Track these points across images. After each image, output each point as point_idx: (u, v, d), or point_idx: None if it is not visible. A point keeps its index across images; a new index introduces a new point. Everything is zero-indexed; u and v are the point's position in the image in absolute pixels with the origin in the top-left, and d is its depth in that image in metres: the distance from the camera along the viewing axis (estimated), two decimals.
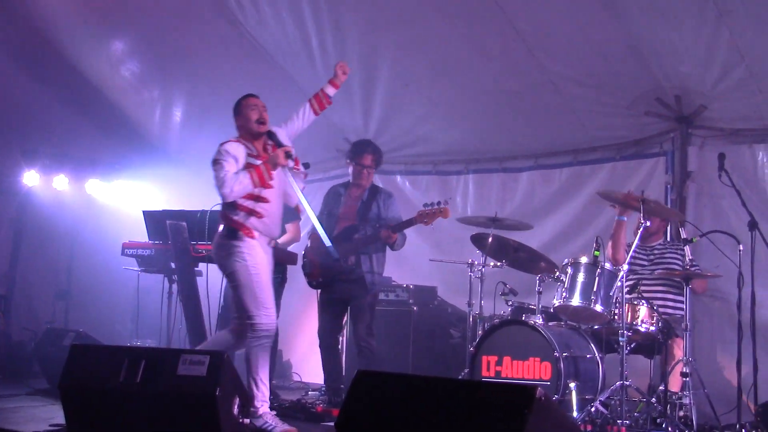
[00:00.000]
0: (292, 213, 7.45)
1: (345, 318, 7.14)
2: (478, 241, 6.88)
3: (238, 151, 5.60)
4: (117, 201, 10.49)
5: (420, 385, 3.59)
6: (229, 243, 5.47)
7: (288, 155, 5.59)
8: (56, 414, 5.36)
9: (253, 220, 5.50)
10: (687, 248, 6.33)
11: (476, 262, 6.86)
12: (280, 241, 7.28)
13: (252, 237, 5.47)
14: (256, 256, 5.45)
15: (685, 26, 6.41)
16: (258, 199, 5.53)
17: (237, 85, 8.60)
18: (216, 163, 5.54)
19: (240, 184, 5.42)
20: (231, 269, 5.46)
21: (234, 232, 5.47)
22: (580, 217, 7.82)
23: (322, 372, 7.00)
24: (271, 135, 5.76)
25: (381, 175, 9.34)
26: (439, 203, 6.48)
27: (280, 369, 8.83)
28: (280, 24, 7.82)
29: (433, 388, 3.49)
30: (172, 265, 6.98)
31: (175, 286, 7.05)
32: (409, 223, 6.60)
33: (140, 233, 7.15)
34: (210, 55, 8.41)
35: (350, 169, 7.01)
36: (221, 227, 5.60)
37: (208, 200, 6.92)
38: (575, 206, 7.86)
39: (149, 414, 4.59)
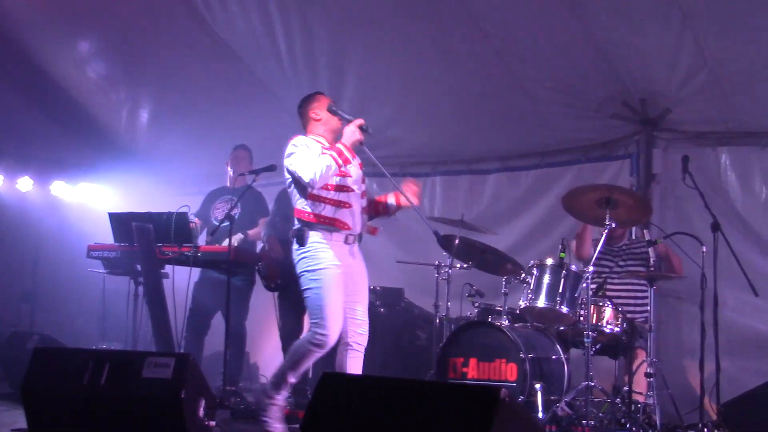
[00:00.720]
0: (263, 209, 7.43)
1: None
2: (444, 242, 6.89)
3: (311, 142, 5.29)
4: (82, 203, 10.39)
5: (385, 387, 3.59)
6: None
7: (363, 129, 5.24)
8: (19, 419, 5.28)
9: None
10: (651, 250, 6.39)
11: (443, 264, 6.88)
12: (251, 232, 7.26)
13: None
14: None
15: (650, 30, 6.48)
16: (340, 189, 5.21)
17: (205, 87, 8.63)
18: (290, 156, 5.19)
19: (321, 167, 5.03)
20: None
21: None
22: (546, 219, 7.87)
23: None
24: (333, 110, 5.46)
25: None
26: None
27: (247, 371, 8.79)
28: (249, 25, 7.79)
29: (398, 389, 3.50)
30: (138, 267, 6.93)
31: (141, 289, 7.00)
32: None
33: (106, 235, 7.08)
34: (177, 56, 8.36)
35: None
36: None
37: (174, 202, 6.89)
38: (542, 208, 7.91)
39: (114, 417, 4.55)
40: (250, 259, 7.03)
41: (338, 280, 5.10)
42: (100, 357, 4.73)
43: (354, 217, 5.24)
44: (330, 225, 5.15)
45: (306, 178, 5.02)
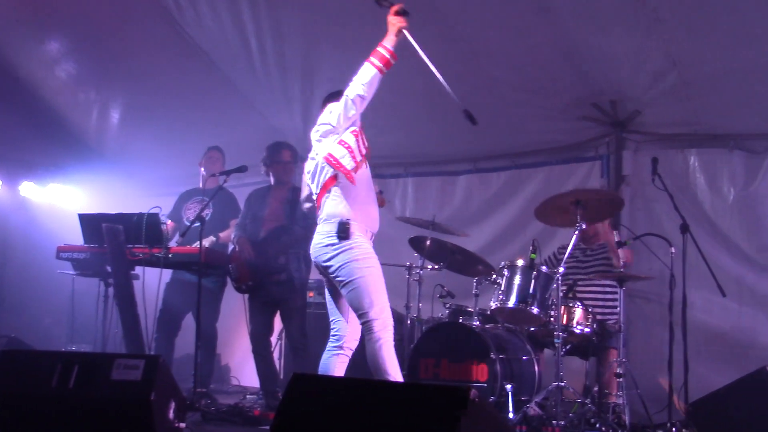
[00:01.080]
0: (234, 210, 7.41)
1: (277, 321, 7.10)
2: (416, 243, 6.91)
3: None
4: (52, 204, 10.31)
5: (355, 388, 3.59)
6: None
7: (403, 12, 4.94)
8: None
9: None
10: (621, 251, 6.44)
11: (414, 265, 6.89)
12: (222, 235, 7.24)
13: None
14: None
15: (618, 33, 6.52)
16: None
17: (175, 88, 8.58)
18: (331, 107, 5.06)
19: (364, 75, 4.94)
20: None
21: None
22: (517, 220, 7.91)
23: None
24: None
25: None
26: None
27: (218, 373, 8.76)
28: (219, 25, 7.75)
29: (368, 390, 3.50)
30: (108, 268, 6.89)
31: (111, 290, 6.95)
32: None
33: (75, 236, 7.03)
34: (148, 56, 8.31)
35: (270, 173, 6.95)
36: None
37: (145, 203, 6.86)
38: (512, 209, 7.95)
39: (83, 420, 4.51)
40: (222, 261, 6.99)
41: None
42: (69, 359, 4.68)
43: None
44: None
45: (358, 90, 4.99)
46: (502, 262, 6.32)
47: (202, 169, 7.53)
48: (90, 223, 6.82)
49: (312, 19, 7.51)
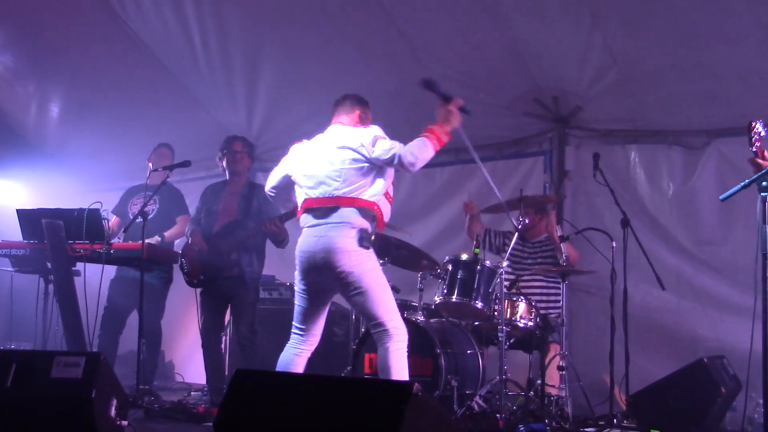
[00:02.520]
0: (180, 207, 7.35)
1: (227, 316, 7.07)
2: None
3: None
4: None
5: (299, 383, 3.59)
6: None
7: (464, 110, 4.94)
8: None
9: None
10: (563, 245, 6.51)
11: None
12: (167, 234, 7.18)
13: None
14: None
15: (560, 29, 6.59)
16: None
17: (118, 82, 8.48)
18: (379, 138, 5.02)
19: (423, 149, 4.87)
20: None
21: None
22: (461, 215, 7.88)
23: (204, 372, 6.93)
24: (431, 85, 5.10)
25: (264, 173, 9.25)
26: None
27: (162, 370, 8.69)
28: (162, 20, 7.68)
29: (312, 385, 3.49)
30: (49, 265, 6.79)
31: (51, 287, 6.86)
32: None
33: (14, 233, 6.92)
34: (89, 51, 8.20)
35: (224, 164, 6.91)
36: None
37: (86, 199, 6.77)
38: (457, 204, 7.94)
39: (22, 419, 4.45)
40: (165, 257, 6.94)
41: None
42: (6, 357, 4.63)
43: None
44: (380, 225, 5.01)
45: (411, 159, 4.86)
46: (446, 257, 6.35)
47: (150, 164, 7.46)
48: (29, 218, 6.71)
49: (256, 15, 7.47)
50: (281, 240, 6.63)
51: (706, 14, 6.03)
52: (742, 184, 3.95)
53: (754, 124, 4.46)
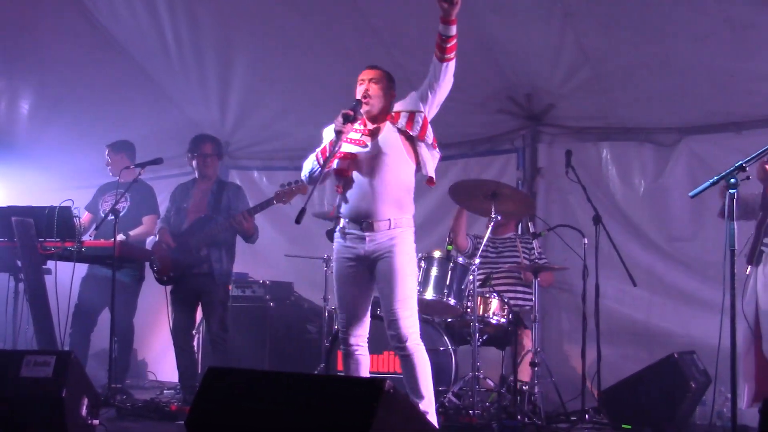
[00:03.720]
0: (150, 206, 7.31)
1: (198, 314, 7.04)
2: (332, 236, 6.89)
3: (327, 132, 4.92)
4: None
5: (271, 381, 3.58)
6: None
7: (347, 117, 4.67)
8: None
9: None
10: (535, 242, 6.54)
11: (332, 258, 6.87)
12: (132, 233, 7.14)
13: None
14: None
15: (533, 27, 6.62)
16: (339, 175, 4.78)
17: (89, 78, 8.39)
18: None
19: (306, 161, 4.87)
20: None
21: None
22: (434, 212, 7.95)
23: (177, 370, 6.90)
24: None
25: (238, 171, 9.29)
26: (296, 182, 6.47)
27: (134, 368, 8.64)
28: (133, 15, 7.62)
29: (284, 383, 3.49)
30: (19, 263, 6.73)
31: (21, 285, 6.80)
32: (268, 203, 6.55)
33: None
34: (59, 46, 8.10)
35: (194, 164, 6.89)
36: None
37: (57, 196, 6.72)
38: (429, 201, 7.97)
39: None
40: (137, 255, 6.90)
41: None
42: None
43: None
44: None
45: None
46: (419, 254, 6.34)
47: (109, 168, 7.46)
48: None
49: (229, 12, 7.44)
50: (250, 235, 6.63)
51: (675, 13, 6.08)
52: (711, 181, 3.98)
53: None
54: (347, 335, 4.80)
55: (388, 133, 4.75)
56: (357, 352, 4.80)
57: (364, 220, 4.68)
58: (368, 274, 4.76)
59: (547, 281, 6.92)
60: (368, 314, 4.87)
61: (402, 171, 4.75)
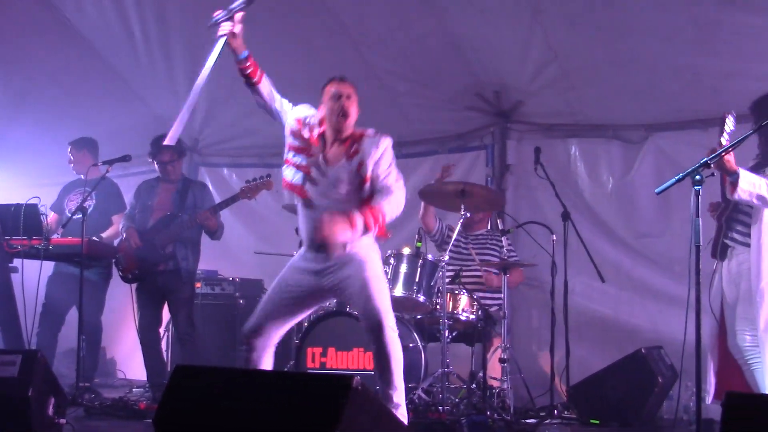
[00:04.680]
0: (117, 204, 7.26)
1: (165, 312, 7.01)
2: None
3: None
4: None
5: (239, 378, 3.57)
6: None
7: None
8: None
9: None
10: (504, 239, 6.57)
11: None
12: (105, 235, 7.09)
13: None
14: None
15: (501, 24, 6.64)
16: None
17: (54, 73, 8.31)
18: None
19: None
20: None
21: None
22: (403, 210, 7.94)
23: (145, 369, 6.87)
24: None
25: (207, 168, 9.24)
26: (261, 177, 6.46)
27: (103, 367, 8.58)
28: (100, 10, 7.56)
29: (251, 380, 3.48)
30: None
31: None
32: (233, 199, 6.54)
33: None
34: (23, 41, 8.00)
35: (156, 167, 6.87)
36: None
37: (23, 194, 6.65)
38: None
39: None
40: (105, 252, 6.85)
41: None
42: None
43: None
44: None
45: None
46: (389, 251, 6.35)
47: (72, 166, 7.40)
48: None
49: (197, 8, 7.38)
50: (214, 231, 6.61)
51: (642, 11, 6.13)
52: (676, 177, 4.02)
53: (726, 115, 4.50)
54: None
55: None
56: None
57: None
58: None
59: (516, 281, 6.90)
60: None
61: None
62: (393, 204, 4.34)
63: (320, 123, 4.63)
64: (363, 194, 4.39)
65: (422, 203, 6.97)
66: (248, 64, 4.68)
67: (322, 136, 4.61)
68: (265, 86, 4.76)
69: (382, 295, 4.47)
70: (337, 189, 4.42)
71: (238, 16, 4.61)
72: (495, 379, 6.18)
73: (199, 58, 7.80)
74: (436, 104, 7.64)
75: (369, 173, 4.39)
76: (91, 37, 7.92)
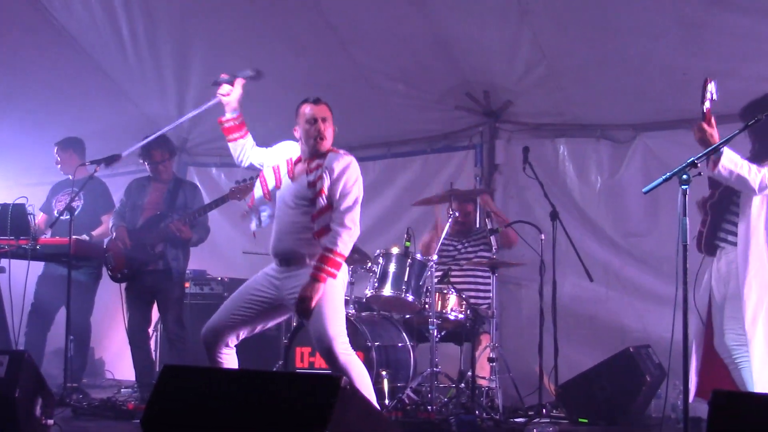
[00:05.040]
0: (106, 203, 7.24)
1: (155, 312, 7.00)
2: None
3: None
4: None
5: (227, 379, 3.57)
6: None
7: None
8: None
9: None
10: (493, 238, 6.58)
11: None
12: (95, 233, 7.08)
13: None
14: None
15: (490, 25, 6.65)
16: None
17: (42, 73, 8.27)
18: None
19: None
20: None
21: None
22: (392, 209, 7.98)
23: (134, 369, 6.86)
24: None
25: (196, 168, 9.23)
26: (251, 178, 6.46)
27: (92, 367, 8.55)
28: (88, 10, 7.53)
29: (240, 380, 3.48)
30: None
31: None
32: (223, 200, 6.53)
33: None
34: (11, 40, 7.96)
35: (147, 167, 6.86)
36: None
37: (11, 194, 6.64)
38: (388, 198, 8.01)
39: None
40: (93, 252, 6.83)
41: None
42: None
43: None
44: None
45: None
46: (378, 250, 6.37)
47: (59, 167, 7.39)
48: None
49: (185, 7, 7.39)
50: (187, 240, 6.57)
51: (630, 10, 6.15)
52: (664, 177, 4.02)
53: (708, 80, 4.52)
54: None
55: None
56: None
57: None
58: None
59: (511, 242, 6.86)
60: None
61: None
62: (345, 244, 4.42)
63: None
64: (317, 208, 4.48)
65: (428, 235, 7.02)
66: (230, 124, 4.93)
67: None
68: (237, 147, 4.97)
69: (335, 318, 4.45)
70: (295, 203, 4.56)
71: (239, 82, 4.86)
72: (484, 378, 6.19)
73: (186, 57, 7.87)
74: (425, 104, 7.65)
75: (325, 189, 4.47)
76: (79, 37, 7.89)
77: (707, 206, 5.04)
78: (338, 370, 4.34)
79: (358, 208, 4.49)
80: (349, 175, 4.50)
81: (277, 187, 4.72)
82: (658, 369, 6.07)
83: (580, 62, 6.77)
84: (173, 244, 6.58)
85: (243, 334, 4.67)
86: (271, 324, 4.82)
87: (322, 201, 4.46)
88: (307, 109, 4.67)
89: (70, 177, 7.07)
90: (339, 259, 4.40)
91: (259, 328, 4.72)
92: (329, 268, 4.37)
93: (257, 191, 4.82)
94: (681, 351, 3.97)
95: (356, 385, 4.27)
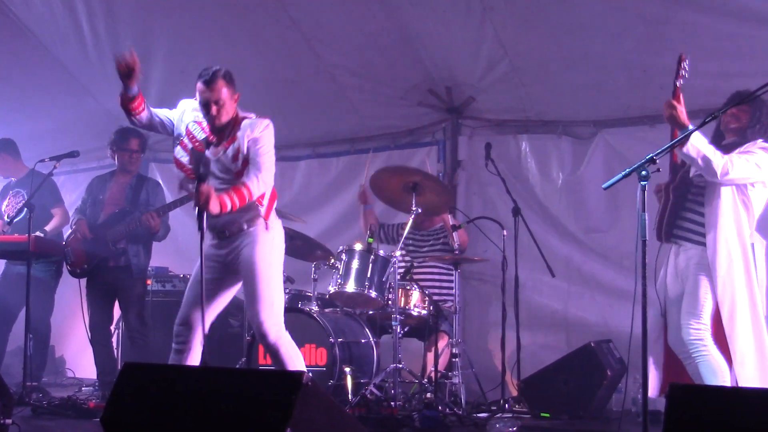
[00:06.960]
0: (54, 197, 7.17)
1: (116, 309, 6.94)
2: None
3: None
4: None
5: (189, 376, 3.56)
6: None
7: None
8: None
9: None
10: (456, 234, 6.60)
11: None
12: (48, 228, 7.01)
13: None
14: None
15: (452, 21, 6.66)
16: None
17: (1, 69, 8.17)
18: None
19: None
20: None
21: None
22: (356, 205, 7.94)
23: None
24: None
25: (157, 164, 9.15)
26: None
27: (52, 365, 8.48)
28: (47, 5, 7.45)
29: (201, 377, 3.47)
30: None
31: None
32: (187, 199, 6.47)
33: None
34: None
35: (116, 158, 6.78)
36: None
37: None
38: (352, 194, 7.98)
39: None
40: (53, 249, 6.76)
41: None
42: None
43: None
44: None
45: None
46: (341, 247, 6.36)
47: None
48: None
49: (147, 3, 7.33)
50: (155, 232, 6.54)
51: (592, 8, 6.18)
52: (623, 173, 4.06)
53: (684, 57, 4.60)
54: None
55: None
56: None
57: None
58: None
59: (463, 240, 6.85)
60: None
61: None
62: (260, 182, 4.56)
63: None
64: (239, 169, 4.64)
65: (361, 210, 7.02)
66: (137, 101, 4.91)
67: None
68: (144, 115, 4.94)
69: (270, 284, 4.68)
70: (223, 177, 4.66)
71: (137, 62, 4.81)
72: (447, 373, 6.21)
73: (148, 52, 7.79)
74: (388, 100, 7.66)
75: (243, 149, 4.62)
76: (38, 31, 7.79)
77: (669, 189, 5.04)
78: (273, 353, 4.57)
79: (273, 162, 4.67)
80: (268, 136, 4.69)
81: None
82: (619, 363, 6.13)
83: (542, 59, 6.80)
84: (134, 240, 6.53)
85: (210, 315, 4.86)
86: (232, 290, 5.02)
87: (242, 162, 4.62)
88: (199, 89, 4.71)
89: (13, 179, 7.01)
90: (246, 194, 4.50)
91: (223, 299, 4.97)
92: (234, 197, 4.47)
93: (180, 154, 4.82)
94: (641, 345, 4.00)
95: (286, 362, 4.53)
